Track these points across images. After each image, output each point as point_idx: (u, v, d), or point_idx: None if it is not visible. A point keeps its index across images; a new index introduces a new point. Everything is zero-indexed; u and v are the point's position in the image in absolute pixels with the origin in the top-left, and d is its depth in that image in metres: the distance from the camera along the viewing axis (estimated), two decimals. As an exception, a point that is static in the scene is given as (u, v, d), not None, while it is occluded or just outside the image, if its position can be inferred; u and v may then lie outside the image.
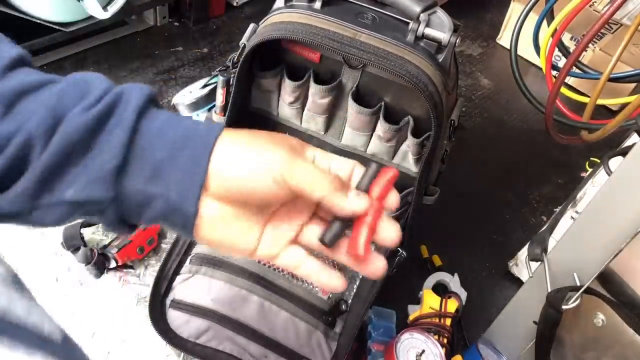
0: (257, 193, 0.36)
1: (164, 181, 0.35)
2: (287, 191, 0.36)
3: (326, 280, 0.40)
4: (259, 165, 0.36)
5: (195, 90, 1.07)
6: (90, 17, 1.26)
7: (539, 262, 0.76)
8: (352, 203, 0.36)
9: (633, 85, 1.40)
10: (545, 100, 1.03)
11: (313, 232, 0.40)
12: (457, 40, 0.72)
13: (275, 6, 0.77)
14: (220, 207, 0.37)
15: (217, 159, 0.35)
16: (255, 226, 0.39)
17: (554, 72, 1.16)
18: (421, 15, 0.72)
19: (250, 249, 0.39)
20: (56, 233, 1.00)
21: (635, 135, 0.95)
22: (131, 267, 0.97)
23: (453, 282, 1.00)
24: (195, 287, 0.85)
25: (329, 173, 0.37)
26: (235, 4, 1.65)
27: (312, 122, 0.85)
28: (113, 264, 0.94)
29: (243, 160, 0.36)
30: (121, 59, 1.40)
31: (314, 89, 0.80)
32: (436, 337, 0.87)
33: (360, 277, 0.88)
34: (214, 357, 0.82)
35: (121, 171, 0.34)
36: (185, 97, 1.11)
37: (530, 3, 1.08)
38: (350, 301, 0.86)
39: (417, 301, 0.98)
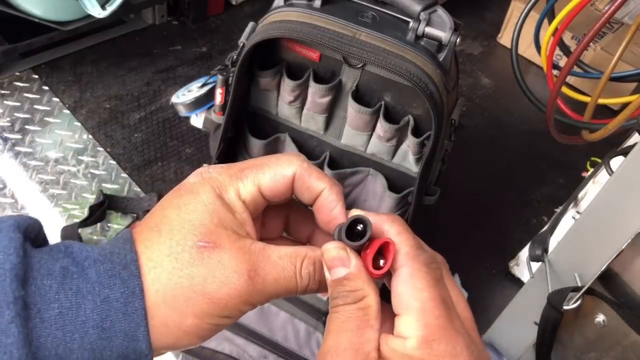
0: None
1: None
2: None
3: None
4: (211, 319, 0.27)
5: (194, 90, 1.07)
6: (89, 16, 1.25)
7: (540, 263, 0.76)
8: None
9: (634, 84, 1.39)
10: (546, 100, 1.03)
11: None
12: (458, 39, 0.71)
13: (275, 5, 0.77)
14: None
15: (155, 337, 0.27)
16: None
17: (555, 72, 1.16)
18: (422, 14, 0.72)
19: None
20: (54, 232, 1.00)
21: (636, 134, 0.95)
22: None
23: (453, 282, 0.99)
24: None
25: (295, 260, 0.29)
26: (234, 2, 1.65)
27: (312, 121, 0.84)
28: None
29: (182, 326, 0.27)
30: (120, 58, 1.40)
31: (313, 88, 0.79)
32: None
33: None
34: (212, 357, 0.82)
35: None
36: (184, 96, 1.11)
37: (531, 2, 1.08)
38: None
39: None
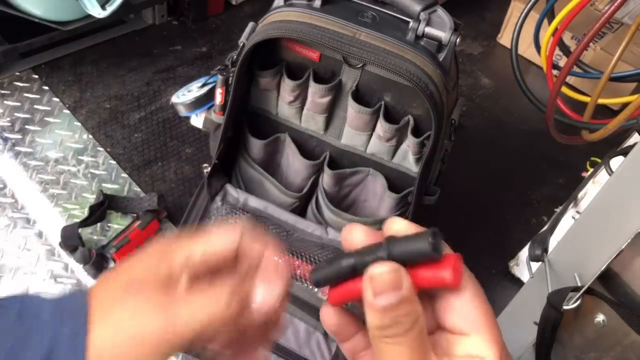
0: None
1: None
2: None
3: None
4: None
5: (194, 90, 1.07)
6: (89, 16, 1.25)
7: (540, 262, 0.76)
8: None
9: (634, 84, 1.39)
10: (546, 100, 1.03)
11: None
12: (458, 39, 0.71)
13: (275, 5, 0.77)
14: None
15: None
16: None
17: (555, 72, 1.16)
18: (421, 14, 0.72)
19: None
20: (54, 232, 1.00)
21: (636, 134, 0.95)
22: (130, 267, 0.96)
23: (453, 282, 0.99)
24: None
25: (225, 290, 0.30)
26: (234, 2, 1.65)
27: (312, 121, 0.84)
28: (112, 264, 0.94)
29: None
30: (120, 58, 1.40)
31: (313, 88, 0.79)
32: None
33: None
34: (213, 358, 0.82)
35: None
36: (184, 96, 1.11)
37: (531, 2, 1.08)
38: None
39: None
